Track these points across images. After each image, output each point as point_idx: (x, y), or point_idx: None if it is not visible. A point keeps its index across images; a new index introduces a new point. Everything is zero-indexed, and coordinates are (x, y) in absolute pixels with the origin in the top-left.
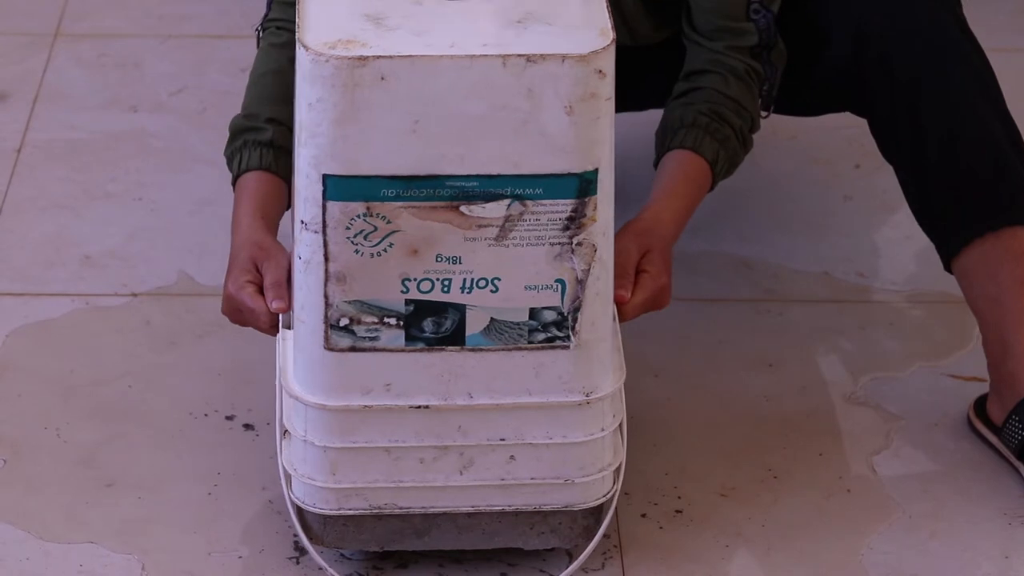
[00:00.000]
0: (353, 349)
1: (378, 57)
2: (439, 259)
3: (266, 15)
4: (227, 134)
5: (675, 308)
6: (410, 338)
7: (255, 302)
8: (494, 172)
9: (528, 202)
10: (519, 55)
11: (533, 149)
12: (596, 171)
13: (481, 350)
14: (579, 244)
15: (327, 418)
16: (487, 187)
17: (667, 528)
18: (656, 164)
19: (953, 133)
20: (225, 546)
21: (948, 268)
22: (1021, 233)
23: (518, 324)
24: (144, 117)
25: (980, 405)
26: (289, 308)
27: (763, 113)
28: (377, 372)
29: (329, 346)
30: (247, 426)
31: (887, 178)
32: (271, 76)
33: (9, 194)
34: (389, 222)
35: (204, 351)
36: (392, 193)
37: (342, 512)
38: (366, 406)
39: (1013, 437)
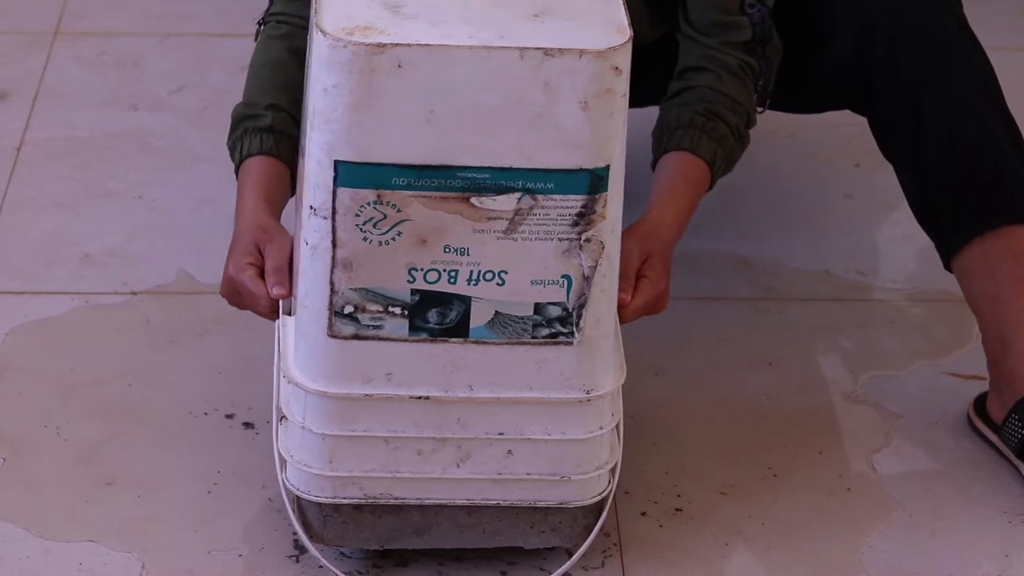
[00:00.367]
0: (356, 337)
1: (396, 45)
2: (447, 250)
3: (267, 9)
4: (227, 132)
5: (675, 307)
6: (414, 328)
7: (255, 285)
8: (507, 165)
9: (539, 196)
10: (537, 48)
11: (547, 143)
12: (608, 167)
13: (484, 343)
14: (587, 240)
15: (327, 405)
16: (499, 179)
17: (667, 526)
18: (654, 165)
19: (953, 133)
20: (225, 544)
21: (948, 267)
22: (1021, 232)
23: (523, 318)
24: (144, 116)
25: (980, 403)
26: (290, 294)
27: (759, 108)
28: (379, 361)
29: (332, 333)
30: (247, 424)
31: (887, 176)
32: (270, 66)
33: (9, 192)
34: (399, 211)
35: (204, 349)
36: (403, 182)
37: (337, 500)
38: (366, 395)
39: (1013, 435)
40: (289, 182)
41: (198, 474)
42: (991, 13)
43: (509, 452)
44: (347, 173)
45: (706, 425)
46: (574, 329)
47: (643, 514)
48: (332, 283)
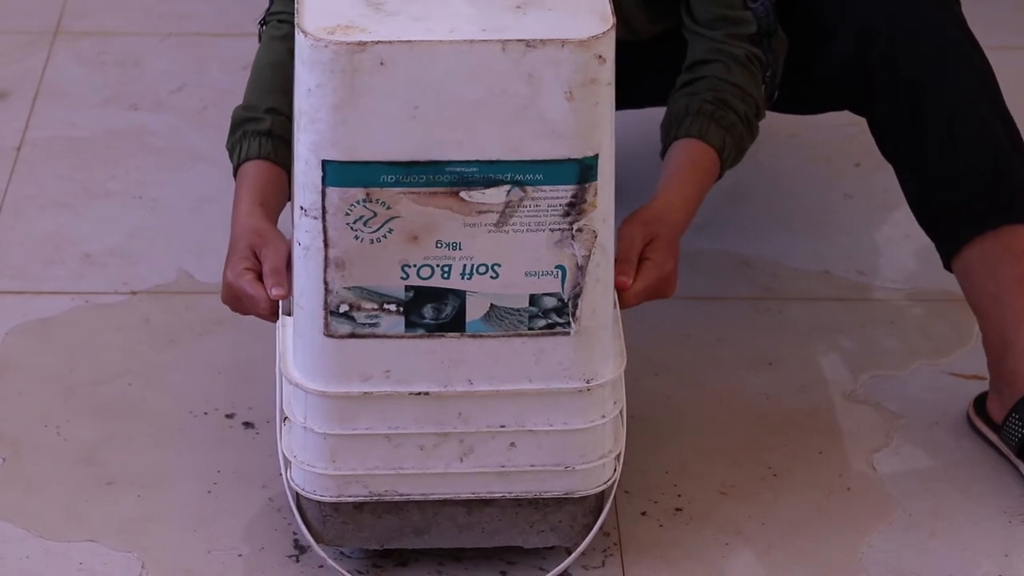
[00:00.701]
0: (353, 335)
1: (377, 42)
2: (439, 245)
3: (268, 9)
4: (227, 131)
5: (675, 306)
6: (410, 324)
7: (254, 289)
8: (494, 158)
9: (528, 188)
10: (519, 40)
11: (533, 134)
12: (596, 157)
13: (481, 336)
14: (579, 230)
15: (327, 405)
16: (487, 173)
17: (667, 526)
18: (663, 155)
19: (953, 132)
20: (225, 544)
21: (948, 267)
22: (1021, 231)
23: (518, 310)
24: (144, 115)
25: (980, 403)
26: (289, 294)
27: (767, 100)
28: (377, 359)
29: (329, 332)
30: (247, 424)
31: (887, 176)
32: (271, 68)
33: (9, 192)
34: (389, 208)
35: (204, 349)
36: (391, 179)
37: (342, 499)
38: (366, 393)
39: (1013, 435)
40: (286, 186)
41: (198, 474)
42: (990, 11)
43: (512, 444)
44: (335, 172)
45: (706, 425)
46: (570, 319)
47: (643, 514)
48: (326, 283)
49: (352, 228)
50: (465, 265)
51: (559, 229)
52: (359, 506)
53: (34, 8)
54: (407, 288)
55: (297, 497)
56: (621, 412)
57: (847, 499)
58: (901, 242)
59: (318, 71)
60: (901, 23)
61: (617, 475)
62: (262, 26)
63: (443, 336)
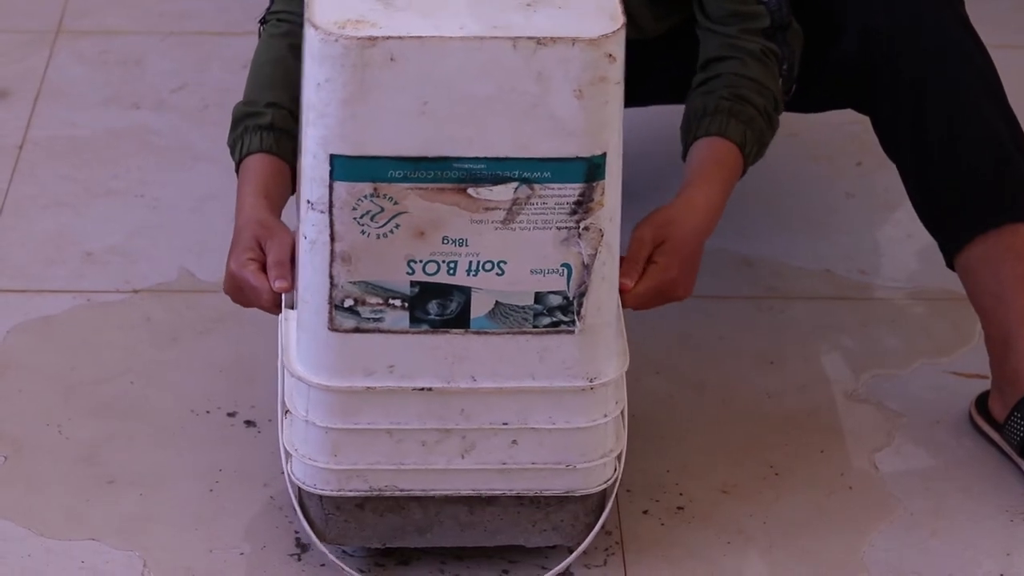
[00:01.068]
0: (357, 330)
1: (388, 38)
2: (445, 241)
3: (269, 8)
4: (228, 131)
5: (676, 305)
6: (415, 320)
7: (258, 280)
8: (502, 155)
9: (536, 185)
10: (529, 38)
11: (541, 132)
12: (604, 155)
13: (486, 333)
14: (586, 229)
15: (329, 399)
16: (495, 170)
17: (669, 525)
18: (684, 156)
19: (956, 131)
20: (226, 543)
21: (950, 265)
22: (1023, 230)
23: (523, 308)
24: (145, 114)
25: (982, 402)
26: (292, 287)
27: (785, 94)
28: (381, 353)
29: (333, 327)
30: (248, 423)
31: (889, 175)
32: (270, 65)
33: (10, 191)
34: (396, 203)
35: (205, 348)
36: (399, 174)
37: (343, 494)
38: (369, 387)
39: (1015, 434)
40: (289, 179)
41: (199, 472)
42: (992, 10)
43: (514, 442)
44: (343, 167)
45: (708, 424)
46: (575, 317)
47: (645, 512)
48: (331, 277)
49: (359, 223)
50: (471, 262)
51: (566, 227)
52: (361, 504)
53: (35, 7)
54: (412, 283)
55: (300, 495)
56: (622, 412)
57: (848, 498)
58: (903, 241)
59: (328, 65)
60: (902, 22)
61: (619, 474)
62: (262, 25)
63: (447, 332)
